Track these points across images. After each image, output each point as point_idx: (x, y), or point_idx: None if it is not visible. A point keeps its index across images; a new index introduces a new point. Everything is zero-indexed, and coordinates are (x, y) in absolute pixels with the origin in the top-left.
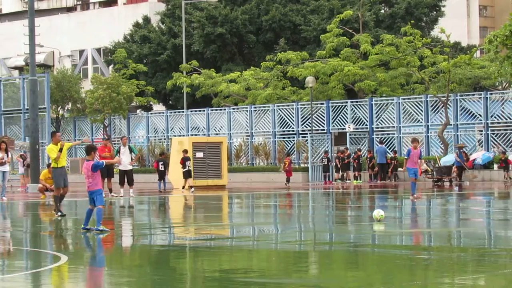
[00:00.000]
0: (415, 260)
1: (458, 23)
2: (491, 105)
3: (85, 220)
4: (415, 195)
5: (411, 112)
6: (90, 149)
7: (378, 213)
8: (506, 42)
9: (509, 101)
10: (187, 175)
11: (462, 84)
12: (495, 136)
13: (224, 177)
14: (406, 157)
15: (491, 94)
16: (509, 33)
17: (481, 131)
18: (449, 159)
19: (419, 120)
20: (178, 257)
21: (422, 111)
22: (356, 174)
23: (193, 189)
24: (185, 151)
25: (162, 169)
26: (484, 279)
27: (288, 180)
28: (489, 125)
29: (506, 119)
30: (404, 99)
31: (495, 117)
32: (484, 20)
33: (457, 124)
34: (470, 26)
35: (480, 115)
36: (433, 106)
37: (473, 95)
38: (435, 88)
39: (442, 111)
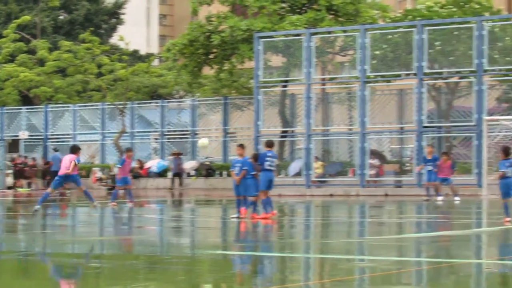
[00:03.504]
0: (88, 268)
1: (137, 31)
2: (168, 114)
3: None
4: (113, 203)
5: (87, 120)
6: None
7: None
8: (184, 51)
9: (185, 109)
10: None
11: (140, 92)
12: (171, 144)
13: None
14: (119, 166)
15: (168, 102)
16: (187, 42)
17: (157, 139)
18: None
19: (95, 128)
20: None
21: (99, 118)
22: (23, 183)
23: None
24: None
25: None
26: (155, 286)
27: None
28: (165, 133)
29: (182, 127)
30: (80, 106)
31: (171, 125)
32: (164, 29)
33: (133, 132)
34: (150, 34)
35: (157, 123)
36: (110, 113)
37: (150, 103)
38: (113, 95)
39: (119, 118)
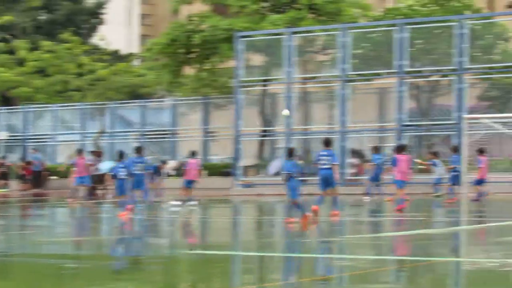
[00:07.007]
0: (64, 269)
1: (119, 30)
2: (148, 113)
3: None
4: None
5: (67, 120)
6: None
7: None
8: (165, 50)
9: (166, 109)
10: None
11: (120, 92)
12: (151, 144)
13: None
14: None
15: (148, 102)
16: (168, 41)
17: (137, 138)
18: (104, 166)
19: (75, 128)
20: None
21: (78, 118)
22: (2, 183)
23: None
24: None
25: None
26: (134, 286)
27: None
28: (145, 133)
29: (162, 127)
30: (60, 106)
31: (151, 125)
32: (145, 28)
33: (113, 132)
34: (131, 34)
35: (137, 123)
36: (90, 113)
37: (130, 103)
38: (93, 95)
39: (99, 118)
